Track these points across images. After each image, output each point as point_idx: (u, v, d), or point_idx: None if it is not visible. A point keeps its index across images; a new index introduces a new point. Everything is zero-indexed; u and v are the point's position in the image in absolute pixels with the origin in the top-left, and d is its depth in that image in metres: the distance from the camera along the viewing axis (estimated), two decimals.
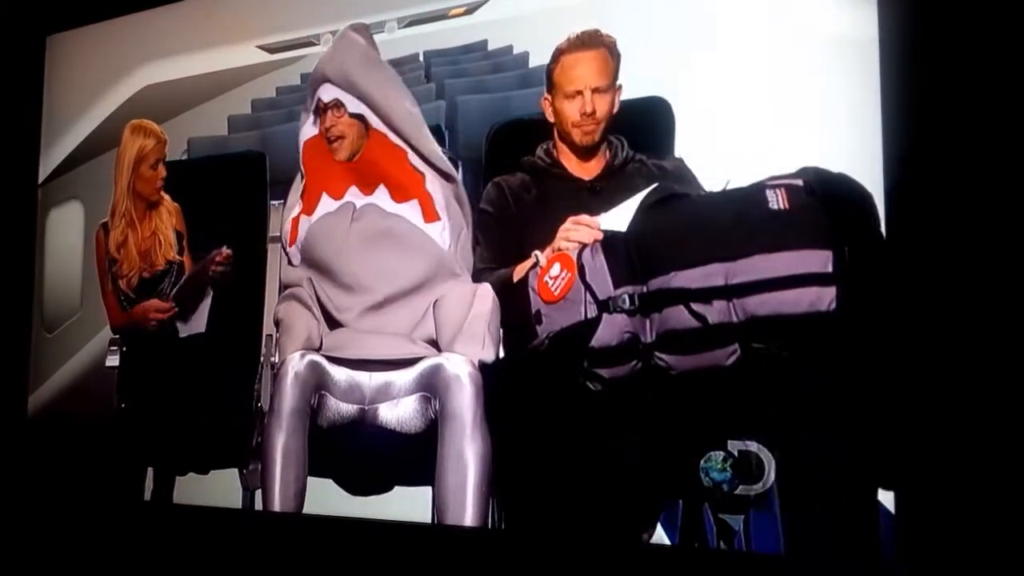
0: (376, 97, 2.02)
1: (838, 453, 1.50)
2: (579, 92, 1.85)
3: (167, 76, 2.53)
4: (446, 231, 1.97)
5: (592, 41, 1.86)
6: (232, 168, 2.36)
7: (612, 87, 1.86)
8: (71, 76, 2.72)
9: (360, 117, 2.02)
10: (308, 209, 2.06)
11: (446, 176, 2.00)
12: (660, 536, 1.70)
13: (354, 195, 2.03)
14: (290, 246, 2.08)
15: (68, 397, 2.58)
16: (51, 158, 2.72)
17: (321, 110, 2.04)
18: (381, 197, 2.01)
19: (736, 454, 1.59)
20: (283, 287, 2.10)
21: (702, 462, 1.61)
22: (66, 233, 2.64)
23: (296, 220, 2.08)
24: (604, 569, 1.72)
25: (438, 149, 2.01)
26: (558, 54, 1.88)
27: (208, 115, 2.44)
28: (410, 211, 1.98)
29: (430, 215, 1.98)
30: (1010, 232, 1.52)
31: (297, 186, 2.11)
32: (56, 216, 2.69)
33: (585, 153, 1.90)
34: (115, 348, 2.39)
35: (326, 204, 2.04)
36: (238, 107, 2.40)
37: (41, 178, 2.73)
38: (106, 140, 2.56)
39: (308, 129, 2.09)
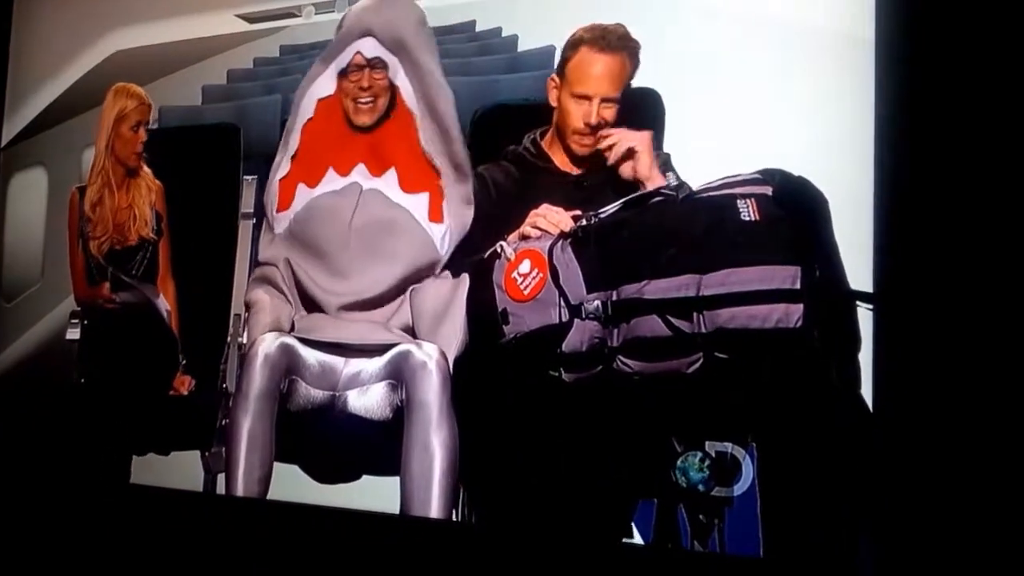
0: (425, 71, 1.90)
1: (815, 459, 1.50)
2: (589, 98, 1.78)
3: (139, 41, 2.45)
4: (447, 236, 1.89)
5: (617, 44, 1.77)
6: (205, 140, 2.29)
7: (619, 96, 1.79)
8: (39, 38, 2.63)
9: (393, 87, 1.92)
10: (311, 179, 1.95)
11: (462, 174, 1.90)
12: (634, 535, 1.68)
13: (361, 174, 1.92)
14: (278, 211, 1.97)
15: (25, 370, 2.51)
16: (15, 121, 2.62)
17: (354, 66, 1.91)
18: (389, 182, 1.91)
19: (714, 455, 1.58)
20: (258, 263, 2.02)
21: (679, 462, 1.60)
22: (29, 200, 2.56)
23: (291, 185, 1.96)
24: (575, 567, 1.70)
25: (463, 145, 1.91)
26: (578, 43, 1.79)
27: (181, 84, 2.36)
28: (417, 205, 1.89)
29: (436, 215, 1.89)
30: (1005, 236, 1.51)
31: (290, 145, 1.98)
32: (19, 182, 2.60)
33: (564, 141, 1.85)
34: (76, 321, 2.31)
35: (331, 180, 1.93)
36: (213, 77, 2.33)
37: (4, 142, 2.64)
38: (74, 105, 2.49)
39: (323, 85, 1.95)
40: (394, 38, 1.91)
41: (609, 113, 1.79)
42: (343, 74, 1.93)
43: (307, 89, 1.97)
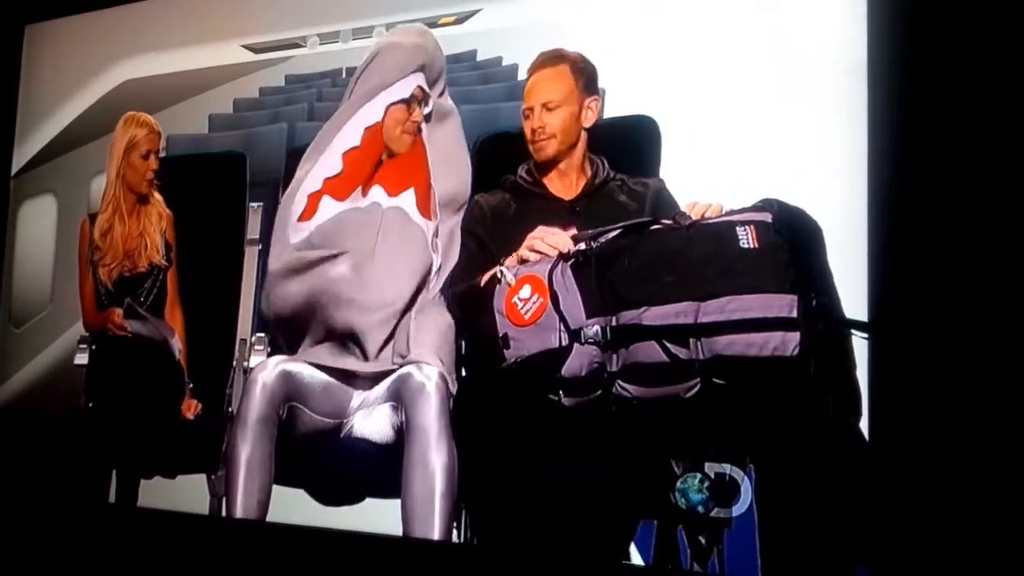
0: (442, 110, 2.00)
1: (812, 481, 1.50)
2: (530, 109, 1.85)
3: (148, 71, 2.49)
4: (439, 263, 1.94)
5: (553, 59, 1.86)
6: (212, 167, 2.32)
7: (568, 101, 1.84)
8: (49, 67, 2.67)
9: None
10: (340, 194, 1.97)
11: (458, 208, 1.97)
12: (634, 557, 1.69)
13: (379, 195, 1.96)
14: (300, 220, 1.98)
15: (34, 395, 2.54)
16: (25, 149, 2.66)
17: (414, 99, 1.98)
18: (407, 201, 1.96)
19: (713, 476, 1.59)
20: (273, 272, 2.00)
21: (678, 483, 1.60)
22: (38, 227, 2.59)
23: (317, 197, 1.97)
24: None
25: (469, 179, 1.99)
26: (528, 75, 1.89)
27: (188, 113, 2.40)
28: (427, 227, 1.95)
29: (434, 246, 1.95)
30: (999, 263, 1.53)
31: (328, 166, 2.00)
32: (28, 209, 2.63)
33: (552, 166, 1.87)
34: (84, 346, 2.33)
35: (356, 198, 1.97)
36: (220, 106, 2.36)
37: (14, 170, 2.67)
38: (83, 134, 2.52)
39: (370, 114, 1.99)
40: (435, 75, 2.00)
41: (552, 117, 1.84)
42: (400, 104, 1.98)
43: (349, 117, 2.00)
